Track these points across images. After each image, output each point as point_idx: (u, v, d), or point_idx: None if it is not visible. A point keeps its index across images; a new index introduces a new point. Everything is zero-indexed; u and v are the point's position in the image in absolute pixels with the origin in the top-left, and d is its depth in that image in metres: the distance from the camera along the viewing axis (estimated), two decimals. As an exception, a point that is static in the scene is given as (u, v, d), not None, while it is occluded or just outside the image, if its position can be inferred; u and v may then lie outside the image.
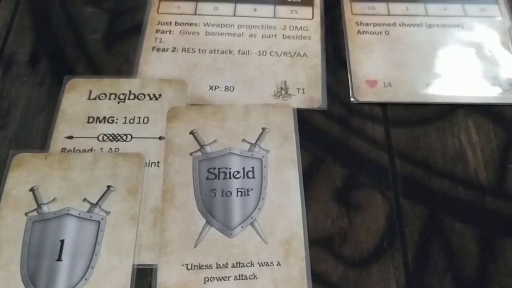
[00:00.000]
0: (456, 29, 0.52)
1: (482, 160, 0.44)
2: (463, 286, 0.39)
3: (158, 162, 0.43)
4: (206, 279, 0.38)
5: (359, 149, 0.45)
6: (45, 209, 0.40)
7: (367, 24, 0.52)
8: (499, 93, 0.48)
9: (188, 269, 0.39)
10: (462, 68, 0.49)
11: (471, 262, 0.40)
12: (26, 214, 0.40)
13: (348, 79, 0.48)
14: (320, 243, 0.41)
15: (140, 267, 0.39)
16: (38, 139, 0.45)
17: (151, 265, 0.39)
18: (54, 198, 0.41)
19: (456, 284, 0.39)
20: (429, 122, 0.46)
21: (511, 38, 0.51)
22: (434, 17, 0.53)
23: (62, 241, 0.39)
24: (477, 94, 0.48)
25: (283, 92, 0.47)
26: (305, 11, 0.53)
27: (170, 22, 0.51)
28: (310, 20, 0.52)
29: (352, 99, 0.47)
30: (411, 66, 0.49)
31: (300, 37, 0.51)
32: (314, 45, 0.50)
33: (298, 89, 0.47)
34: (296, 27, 0.51)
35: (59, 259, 0.38)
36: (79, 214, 0.40)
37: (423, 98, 0.47)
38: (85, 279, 0.38)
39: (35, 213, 0.40)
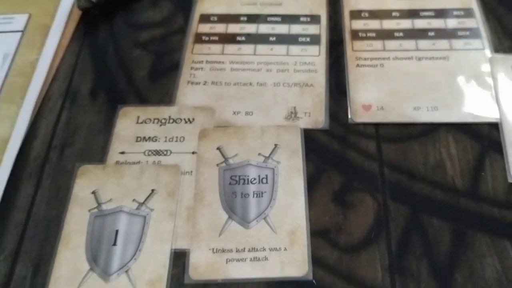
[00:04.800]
0: (442, 61, 0.56)
1: (458, 169, 0.48)
2: (437, 269, 0.42)
3: (191, 171, 0.48)
4: (228, 260, 0.43)
5: (355, 161, 0.49)
6: (103, 207, 0.46)
7: (365, 59, 0.56)
8: (476, 113, 0.51)
9: (214, 253, 0.44)
10: (445, 93, 0.53)
11: (445, 250, 0.43)
12: (89, 211, 0.46)
13: (347, 104, 0.53)
14: (319, 234, 0.45)
15: (176, 250, 0.44)
16: (98, 154, 0.50)
17: (185, 249, 0.44)
18: (110, 199, 0.46)
19: (431, 267, 0.43)
20: (415, 138, 0.50)
21: (490, 67, 0.55)
22: (424, 51, 0.57)
23: (117, 231, 0.45)
24: (457, 114, 0.51)
25: (292, 115, 0.52)
26: (313, 49, 0.58)
27: (202, 61, 0.57)
28: (317, 56, 0.57)
29: (350, 121, 0.51)
30: (401, 93, 0.53)
31: (308, 71, 0.56)
32: (319, 77, 0.55)
33: (305, 113, 0.52)
34: (305, 62, 0.56)
35: (115, 244, 0.44)
36: (130, 210, 0.46)
37: (410, 118, 0.51)
38: (135, 259, 0.43)
39: (96, 210, 0.46)
